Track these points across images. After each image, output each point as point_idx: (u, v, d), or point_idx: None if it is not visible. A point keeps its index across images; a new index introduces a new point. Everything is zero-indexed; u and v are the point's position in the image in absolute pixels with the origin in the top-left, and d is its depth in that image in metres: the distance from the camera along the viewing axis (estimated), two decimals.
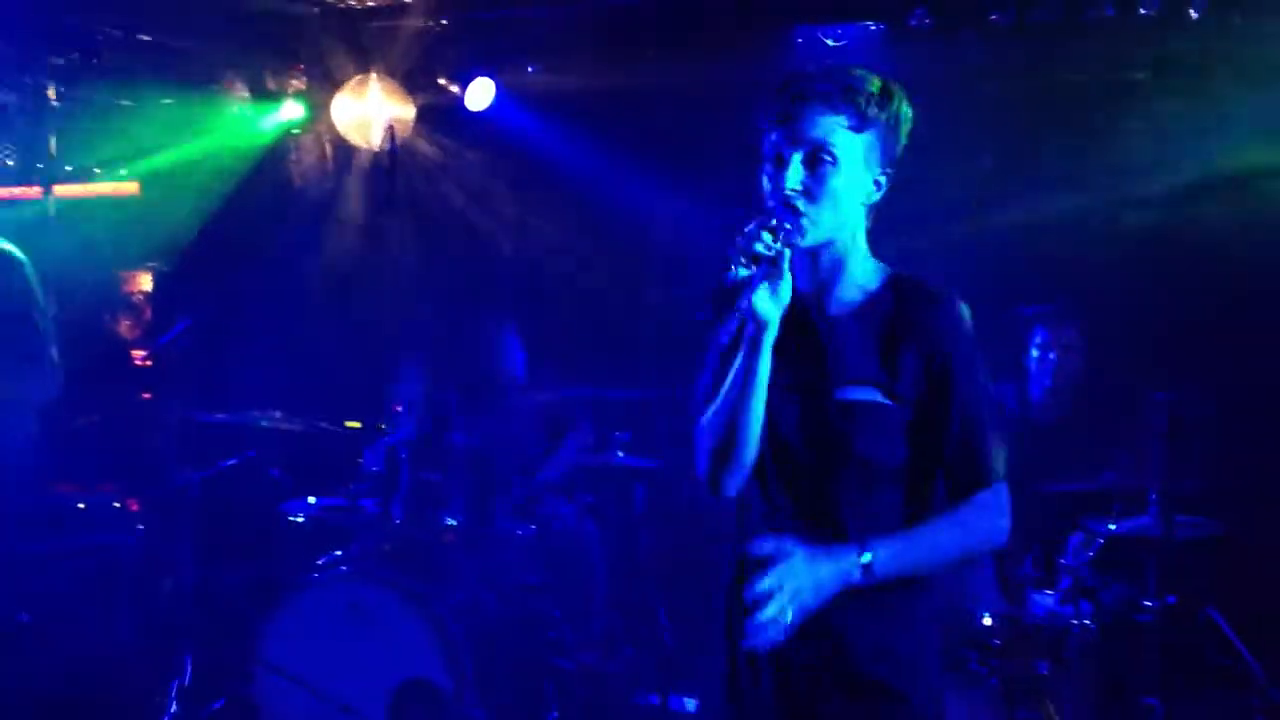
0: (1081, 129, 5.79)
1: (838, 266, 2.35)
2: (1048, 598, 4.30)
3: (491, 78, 6.27)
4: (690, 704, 5.10)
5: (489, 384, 5.99)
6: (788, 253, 2.20)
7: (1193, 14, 5.11)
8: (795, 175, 2.26)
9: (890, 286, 2.35)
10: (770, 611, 2.13)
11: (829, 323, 2.35)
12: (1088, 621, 4.19)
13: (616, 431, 5.28)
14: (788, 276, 2.21)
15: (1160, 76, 5.47)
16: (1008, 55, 5.64)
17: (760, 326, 2.23)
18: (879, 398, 2.28)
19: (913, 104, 2.35)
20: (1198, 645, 4.59)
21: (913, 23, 5.52)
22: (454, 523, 5.05)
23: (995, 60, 5.69)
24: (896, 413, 2.28)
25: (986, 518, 2.29)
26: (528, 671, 5.10)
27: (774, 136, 2.30)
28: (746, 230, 2.19)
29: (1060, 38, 5.39)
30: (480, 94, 6.28)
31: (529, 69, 6.32)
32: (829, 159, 2.26)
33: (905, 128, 2.33)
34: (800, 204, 2.25)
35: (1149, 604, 4.24)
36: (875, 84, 2.29)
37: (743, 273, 2.16)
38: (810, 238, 2.28)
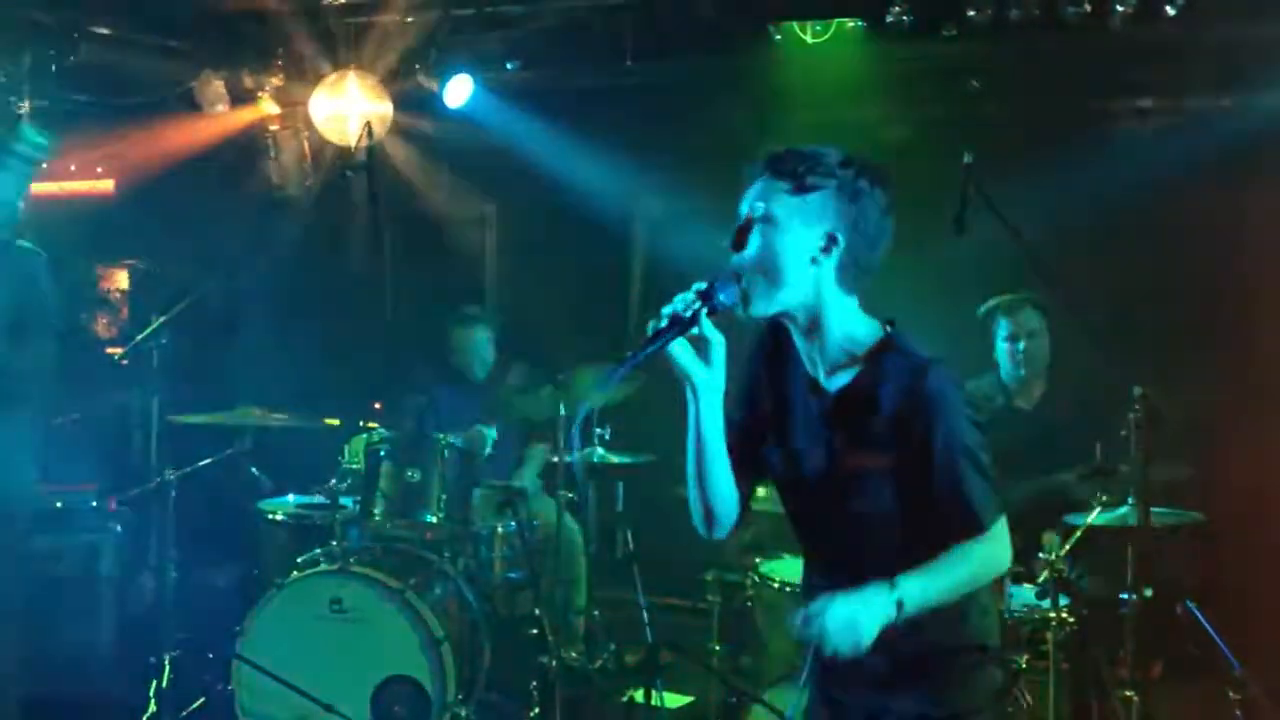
0: (1061, 125, 5.83)
1: (817, 332, 2.43)
2: (1026, 591, 4.32)
3: (470, 75, 6.26)
4: (671, 700, 5.11)
5: (467, 381, 5.99)
6: (708, 321, 2.30)
7: (1169, 10, 5.15)
8: (735, 237, 2.37)
9: (878, 353, 2.41)
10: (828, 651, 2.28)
11: (821, 391, 2.45)
12: (1066, 614, 4.22)
13: (596, 428, 5.28)
14: (716, 340, 2.32)
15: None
16: (987, 52, 5.68)
17: (690, 386, 2.36)
18: (871, 462, 2.39)
19: (885, 181, 2.40)
20: (1175, 637, 4.63)
21: (891, 20, 5.54)
22: (434, 520, 5.05)
23: (974, 57, 5.72)
24: (888, 479, 2.39)
25: (989, 552, 2.41)
26: (510, 669, 5.10)
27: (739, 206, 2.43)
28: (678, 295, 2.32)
29: (1039, 34, 5.42)
30: (458, 91, 6.27)
31: (507, 66, 6.31)
32: (761, 212, 2.36)
33: (867, 199, 2.37)
34: (744, 270, 2.35)
35: (1126, 596, 4.27)
36: (831, 157, 2.37)
37: (659, 325, 2.28)
38: (758, 305, 2.37)
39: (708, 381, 2.35)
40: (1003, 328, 4.93)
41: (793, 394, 2.47)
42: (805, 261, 2.36)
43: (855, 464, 2.40)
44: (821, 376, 2.45)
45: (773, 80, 5.97)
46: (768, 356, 2.53)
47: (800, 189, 2.35)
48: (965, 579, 2.39)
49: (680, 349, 2.31)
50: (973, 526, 2.37)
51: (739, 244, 2.36)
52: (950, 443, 2.35)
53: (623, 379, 2.35)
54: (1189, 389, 5.24)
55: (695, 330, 2.29)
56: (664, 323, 2.28)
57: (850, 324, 2.42)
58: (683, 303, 2.29)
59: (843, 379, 2.43)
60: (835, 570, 2.45)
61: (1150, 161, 5.48)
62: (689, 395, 2.37)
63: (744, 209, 2.40)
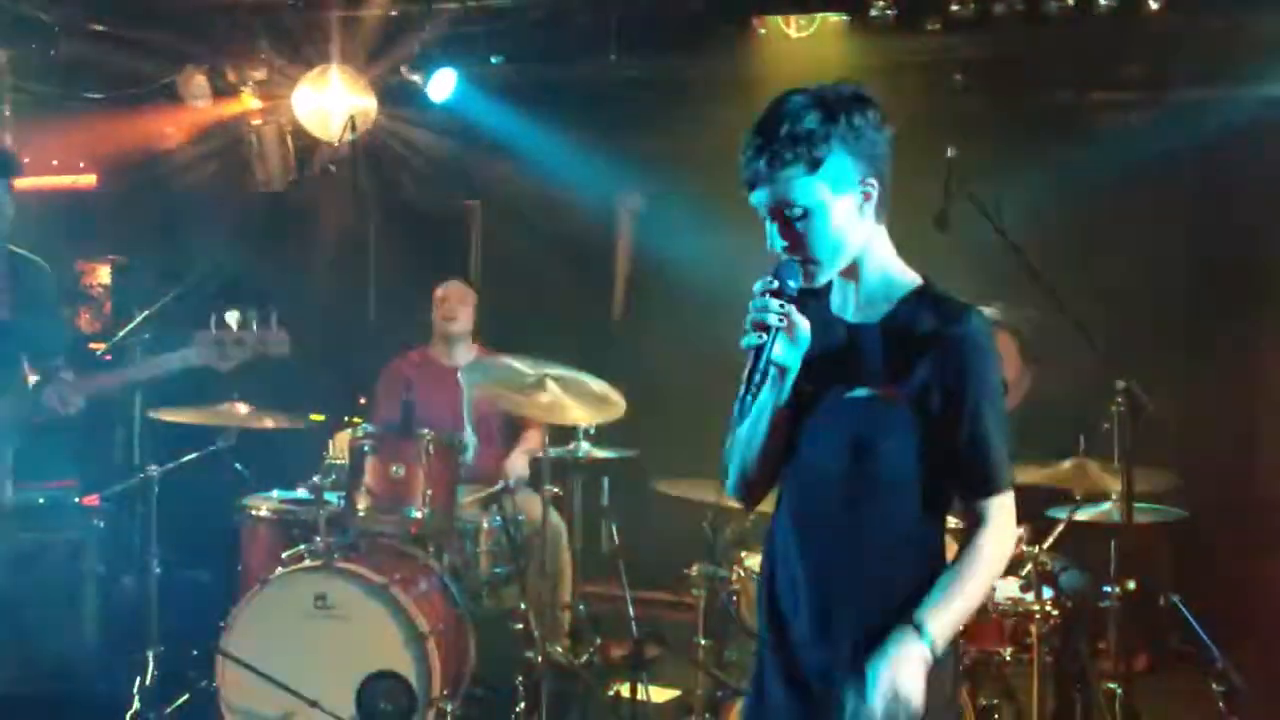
0: (1044, 118, 5.85)
1: (854, 277, 2.42)
2: (1010, 584, 4.33)
3: (454, 69, 6.25)
4: (657, 694, 5.11)
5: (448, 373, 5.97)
6: (792, 309, 2.32)
7: (1152, 4, 5.16)
8: (774, 236, 2.36)
9: (913, 299, 2.40)
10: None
11: (853, 331, 2.42)
12: (1049, 607, 4.23)
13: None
14: (800, 322, 2.35)
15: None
16: (970, 46, 5.69)
17: (782, 372, 2.37)
18: (894, 401, 2.34)
19: (866, 99, 2.36)
20: (1159, 630, 4.65)
21: (874, 14, 5.55)
22: (419, 515, 5.04)
23: (958, 51, 5.73)
24: (909, 419, 2.34)
25: (1000, 532, 2.38)
26: (495, 664, 5.10)
27: (751, 199, 2.38)
28: (754, 300, 2.32)
29: (1022, 28, 5.43)
30: (442, 85, 6.26)
31: (491, 60, 6.30)
32: (797, 211, 2.32)
33: (866, 129, 2.33)
34: (795, 259, 2.35)
35: (1110, 589, 4.28)
36: (812, 118, 2.31)
37: (756, 340, 2.30)
38: (820, 277, 2.38)
39: (798, 361, 2.37)
40: None
41: (818, 334, 2.40)
42: (853, 223, 2.35)
43: (881, 397, 2.35)
44: (849, 315, 2.43)
45: (757, 74, 5.96)
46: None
47: (813, 166, 2.30)
48: (983, 583, 2.37)
49: (780, 344, 2.33)
50: (992, 483, 2.35)
51: (791, 246, 2.35)
52: (982, 391, 2.32)
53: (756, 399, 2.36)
54: (1173, 381, 5.27)
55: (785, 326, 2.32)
56: (758, 337, 2.30)
57: (888, 264, 2.42)
58: (766, 309, 2.30)
59: (873, 316, 2.41)
60: (831, 528, 2.39)
61: (1134, 154, 5.49)
62: (778, 378, 2.37)
63: (760, 204, 2.36)
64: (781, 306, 2.31)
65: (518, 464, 5.66)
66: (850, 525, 2.37)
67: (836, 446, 2.38)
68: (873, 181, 2.35)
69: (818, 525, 2.42)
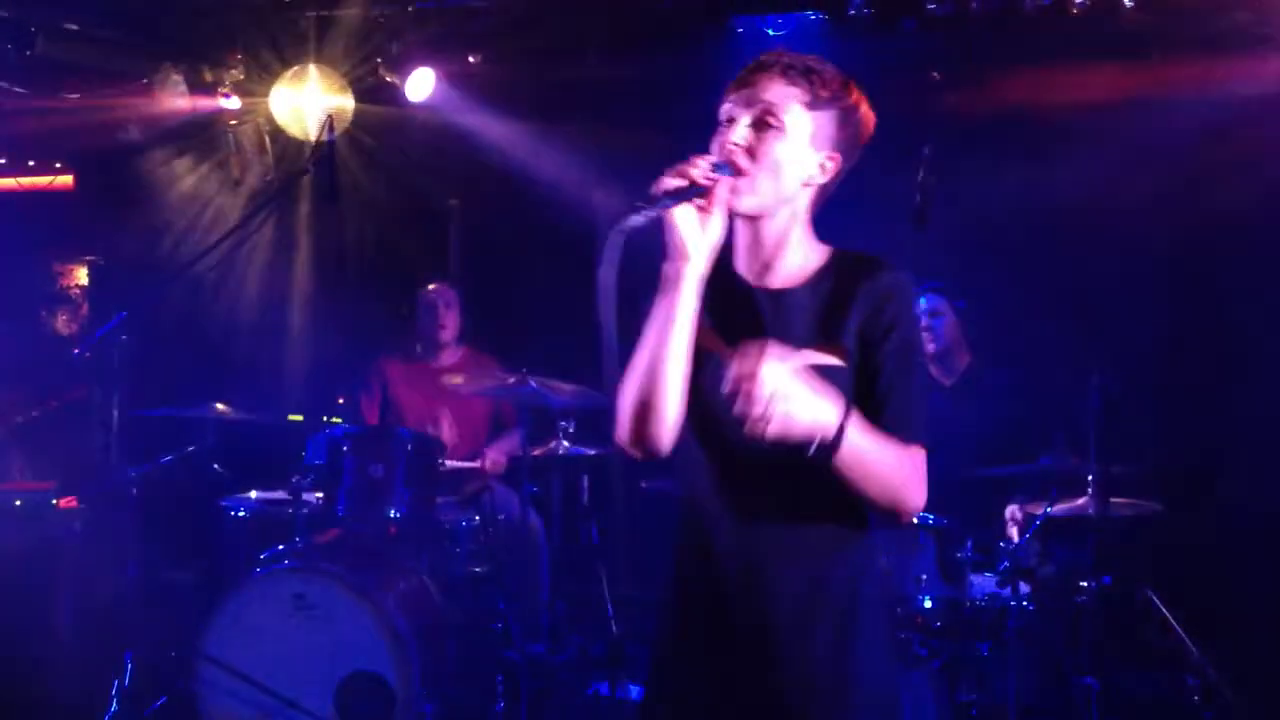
0: (1021, 116, 5.87)
1: (780, 244, 2.33)
2: (987, 580, 4.35)
3: (431, 68, 6.24)
4: (636, 693, 5.12)
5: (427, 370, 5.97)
6: (723, 190, 2.17)
7: (1127, 2, 5.19)
8: (741, 132, 2.26)
9: (833, 261, 2.34)
10: (757, 403, 2.03)
11: (771, 297, 2.33)
12: (1026, 602, 4.25)
13: (561, 421, 5.28)
14: (718, 215, 2.18)
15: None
16: (947, 45, 5.71)
17: (682, 257, 2.17)
18: (832, 365, 2.22)
19: (874, 111, 2.35)
20: (1134, 625, 4.68)
21: (852, 12, 5.56)
22: (398, 515, 5.03)
23: (935, 50, 5.75)
24: (847, 378, 2.24)
25: (911, 468, 2.23)
26: (474, 663, 5.09)
27: (729, 101, 2.30)
28: (673, 170, 2.16)
29: (999, 26, 5.45)
30: (420, 84, 6.25)
31: (469, 59, 6.29)
32: (776, 124, 2.25)
33: (861, 128, 2.33)
34: (742, 161, 2.25)
35: (1086, 584, 4.31)
36: (837, 75, 2.30)
37: (664, 202, 2.13)
38: (746, 200, 2.26)
39: (699, 260, 2.18)
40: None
41: (726, 303, 2.28)
42: (798, 179, 2.29)
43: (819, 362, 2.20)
44: (773, 283, 2.33)
45: (735, 73, 5.96)
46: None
47: (811, 103, 2.26)
48: (890, 463, 2.17)
49: (686, 216, 2.15)
50: (905, 431, 2.21)
51: (744, 152, 2.23)
52: (907, 338, 2.26)
53: (646, 222, 2.14)
54: (1148, 377, 5.30)
55: (703, 200, 2.15)
56: (681, 182, 2.13)
57: (810, 238, 2.35)
58: (695, 168, 2.15)
59: (798, 281, 2.32)
60: (758, 507, 2.26)
61: (1109, 152, 5.52)
62: (671, 274, 2.18)
63: (740, 104, 2.26)
64: (715, 169, 2.16)
65: (497, 457, 5.66)
66: (779, 499, 2.26)
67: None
68: (837, 159, 2.32)
69: (745, 506, 2.28)
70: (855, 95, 2.33)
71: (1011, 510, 4.49)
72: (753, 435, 2.05)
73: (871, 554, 2.35)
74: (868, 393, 2.25)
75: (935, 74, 5.91)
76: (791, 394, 2.06)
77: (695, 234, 2.17)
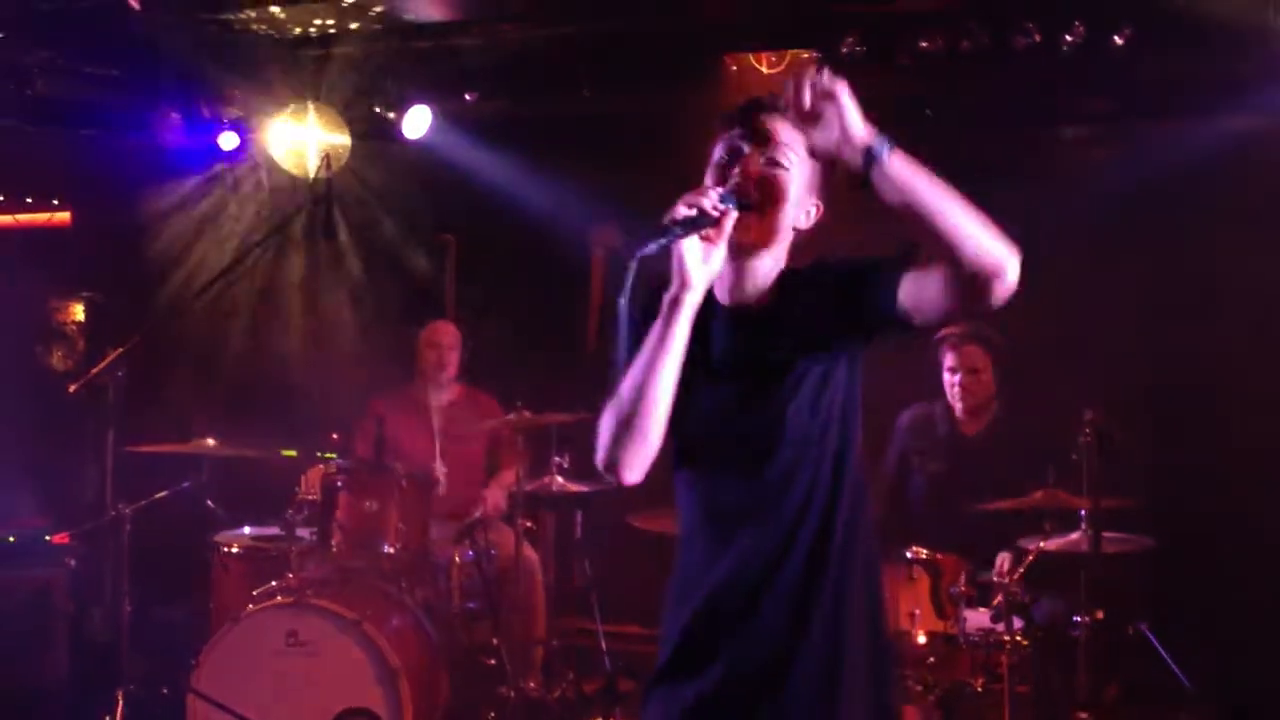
0: (1012, 151, 5.90)
1: (756, 280, 2.35)
2: (981, 614, 4.34)
3: (428, 106, 6.28)
4: None
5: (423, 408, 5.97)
6: (729, 223, 2.20)
7: (1117, 40, 5.23)
8: (755, 166, 2.27)
9: (789, 276, 2.36)
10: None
11: (736, 316, 2.35)
12: (1020, 637, 4.25)
13: (555, 456, 5.28)
14: (722, 247, 2.21)
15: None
16: (939, 82, 5.74)
17: (684, 286, 2.20)
18: (806, 361, 2.27)
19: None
20: (1128, 659, 4.66)
21: (844, 50, 5.60)
22: (392, 550, 5.03)
23: (927, 87, 5.79)
24: (823, 365, 2.28)
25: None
26: (468, 700, 5.07)
27: (736, 133, 2.31)
28: (686, 199, 2.18)
29: (990, 65, 5.49)
30: (416, 122, 6.28)
31: (465, 96, 6.33)
32: (786, 164, 2.27)
33: (838, 181, 2.35)
34: (754, 194, 2.26)
35: (1079, 619, 4.30)
36: None
37: (675, 231, 2.15)
38: (750, 235, 2.27)
39: (700, 290, 2.21)
40: (947, 359, 5.00)
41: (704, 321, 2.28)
42: (791, 223, 2.32)
43: (789, 363, 2.25)
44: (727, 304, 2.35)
45: (727, 109, 5.99)
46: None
47: (813, 150, 2.27)
48: (956, 198, 2.19)
49: (692, 246, 2.18)
50: (899, 259, 2.23)
51: (755, 183, 2.25)
52: (855, 265, 2.25)
53: (658, 250, 2.17)
54: (1140, 411, 5.30)
55: (711, 230, 2.18)
56: (692, 211, 2.16)
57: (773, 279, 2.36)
58: (708, 199, 2.17)
59: (762, 299, 2.34)
60: (755, 517, 2.28)
61: (1099, 186, 5.55)
62: (672, 301, 2.20)
63: (748, 131, 2.28)
64: (723, 200, 2.19)
65: (497, 499, 5.66)
66: (777, 506, 2.27)
67: (750, 425, 2.28)
68: (820, 208, 2.35)
69: (742, 519, 2.30)
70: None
71: (1003, 557, 4.48)
72: (815, 108, 2.10)
73: (868, 578, 2.36)
74: (884, 291, 2.20)
75: (928, 111, 5.95)
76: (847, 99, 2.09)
77: (698, 264, 2.20)
